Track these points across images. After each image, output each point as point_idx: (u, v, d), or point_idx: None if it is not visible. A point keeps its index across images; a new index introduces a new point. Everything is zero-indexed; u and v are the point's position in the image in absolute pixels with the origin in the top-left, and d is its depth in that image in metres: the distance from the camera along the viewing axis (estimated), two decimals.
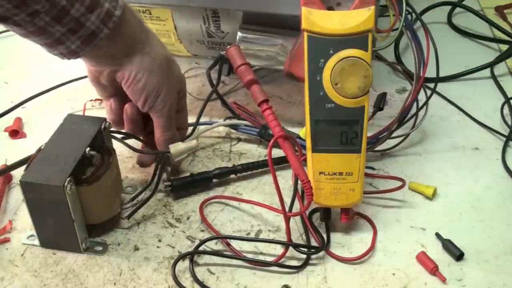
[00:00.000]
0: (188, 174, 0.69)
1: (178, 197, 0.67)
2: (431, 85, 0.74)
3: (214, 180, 0.68)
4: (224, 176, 0.69)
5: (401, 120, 0.69)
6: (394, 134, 0.70)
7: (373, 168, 0.69)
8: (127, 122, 0.67)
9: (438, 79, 0.72)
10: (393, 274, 0.58)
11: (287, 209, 0.62)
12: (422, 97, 0.70)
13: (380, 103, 0.68)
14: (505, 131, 0.76)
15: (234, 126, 0.75)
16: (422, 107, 0.71)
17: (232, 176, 0.69)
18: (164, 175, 0.67)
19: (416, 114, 0.71)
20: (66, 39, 0.56)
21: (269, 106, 0.62)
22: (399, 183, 0.65)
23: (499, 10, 1.01)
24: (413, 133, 0.72)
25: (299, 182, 0.59)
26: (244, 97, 0.78)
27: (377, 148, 0.70)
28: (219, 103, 0.80)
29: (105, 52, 0.59)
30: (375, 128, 0.70)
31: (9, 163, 0.70)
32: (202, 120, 0.74)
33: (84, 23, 0.55)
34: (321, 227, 0.63)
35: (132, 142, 0.67)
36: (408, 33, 0.66)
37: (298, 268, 0.59)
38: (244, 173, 0.69)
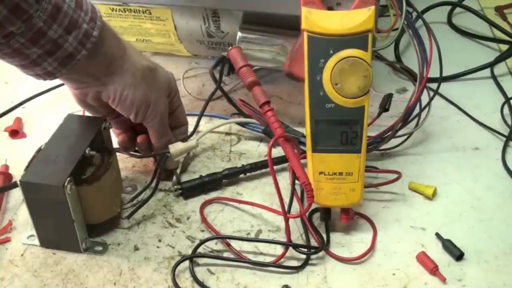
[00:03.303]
0: (191, 175, 0.69)
1: (187, 197, 0.67)
2: (431, 84, 0.73)
3: (224, 181, 0.68)
4: (233, 176, 0.68)
5: (405, 120, 0.69)
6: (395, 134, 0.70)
7: (377, 168, 0.69)
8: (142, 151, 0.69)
9: (442, 79, 0.72)
10: (393, 274, 0.58)
11: (287, 209, 0.62)
12: (422, 96, 0.70)
13: (386, 104, 0.68)
14: (505, 131, 0.76)
15: (240, 123, 0.75)
16: (425, 107, 0.71)
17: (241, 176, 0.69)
18: (174, 178, 0.67)
19: (419, 114, 0.71)
20: (43, 60, 0.55)
21: (270, 107, 0.62)
22: (395, 176, 0.66)
23: (499, 10, 1.01)
24: (413, 133, 0.72)
25: (297, 182, 0.60)
26: (244, 97, 0.78)
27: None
28: (219, 102, 0.80)
29: (84, 72, 0.58)
30: (376, 128, 0.70)
31: (9, 163, 0.70)
32: (203, 119, 0.74)
33: (62, 44, 0.54)
34: (321, 227, 0.63)
35: None
36: (410, 32, 0.66)
37: (298, 268, 0.59)
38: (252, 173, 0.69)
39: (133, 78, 0.60)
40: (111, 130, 0.65)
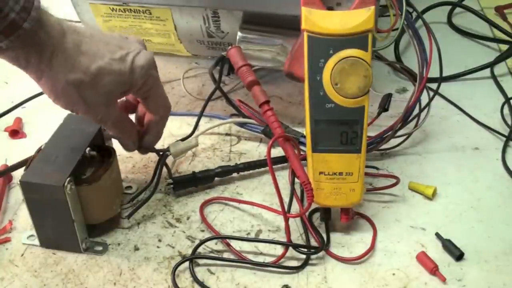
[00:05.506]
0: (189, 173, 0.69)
1: (179, 195, 0.67)
2: (431, 84, 0.73)
3: (216, 179, 0.68)
4: (226, 174, 0.68)
5: (405, 120, 0.69)
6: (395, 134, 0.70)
7: (377, 168, 0.69)
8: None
9: (442, 79, 0.72)
10: (393, 274, 0.58)
11: (286, 209, 0.62)
12: (422, 96, 0.70)
13: (385, 103, 0.68)
14: (505, 131, 0.76)
15: (238, 124, 0.75)
16: (425, 107, 0.71)
17: (234, 175, 0.69)
18: (166, 173, 0.67)
19: (419, 114, 0.71)
20: None
21: (270, 107, 0.62)
22: (394, 181, 0.66)
23: (499, 10, 1.01)
24: (413, 133, 0.72)
25: (296, 181, 0.59)
26: (244, 97, 0.78)
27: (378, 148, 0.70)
28: (219, 102, 0.80)
29: (18, 56, 0.52)
30: (376, 128, 0.70)
31: (9, 163, 0.70)
32: (202, 119, 0.74)
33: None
34: (321, 227, 0.63)
35: None
36: (410, 32, 0.66)
37: (298, 268, 0.59)
38: (246, 172, 0.69)
39: (54, 86, 0.53)
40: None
